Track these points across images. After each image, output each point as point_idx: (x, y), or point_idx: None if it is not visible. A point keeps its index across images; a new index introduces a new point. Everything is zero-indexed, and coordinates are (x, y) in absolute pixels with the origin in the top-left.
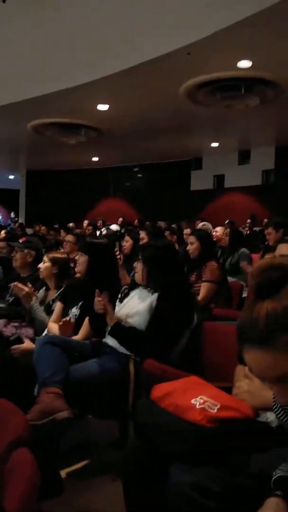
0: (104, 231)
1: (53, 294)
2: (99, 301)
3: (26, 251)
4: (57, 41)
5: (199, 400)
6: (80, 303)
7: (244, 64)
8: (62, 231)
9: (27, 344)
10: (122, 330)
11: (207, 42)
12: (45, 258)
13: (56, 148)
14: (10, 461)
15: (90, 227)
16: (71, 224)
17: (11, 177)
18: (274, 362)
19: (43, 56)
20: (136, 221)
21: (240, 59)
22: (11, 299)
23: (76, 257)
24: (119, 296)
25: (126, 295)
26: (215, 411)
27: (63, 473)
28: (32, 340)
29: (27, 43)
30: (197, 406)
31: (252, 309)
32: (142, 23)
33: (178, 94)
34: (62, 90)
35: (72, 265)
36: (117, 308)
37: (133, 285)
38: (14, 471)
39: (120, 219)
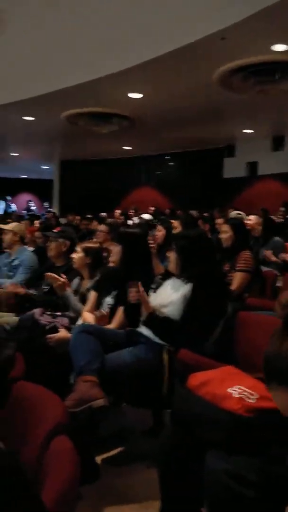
0: (136, 220)
1: (86, 283)
2: (134, 292)
3: (60, 240)
4: (89, 30)
5: (237, 389)
6: (114, 293)
7: (279, 47)
8: (94, 221)
9: (63, 333)
10: (156, 320)
11: (241, 26)
12: (78, 248)
13: (89, 138)
14: (51, 448)
15: (121, 217)
16: (103, 214)
17: (45, 167)
18: None
19: (75, 45)
20: (167, 210)
21: (274, 43)
22: (46, 288)
23: (110, 247)
24: (153, 286)
25: (160, 285)
26: (254, 401)
27: (98, 459)
28: (67, 329)
29: (59, 33)
30: (235, 395)
31: (281, 344)
32: (175, 9)
33: (211, 81)
34: (94, 79)
35: (104, 254)
36: (150, 298)
37: (167, 275)
38: (55, 458)
39: (152, 208)
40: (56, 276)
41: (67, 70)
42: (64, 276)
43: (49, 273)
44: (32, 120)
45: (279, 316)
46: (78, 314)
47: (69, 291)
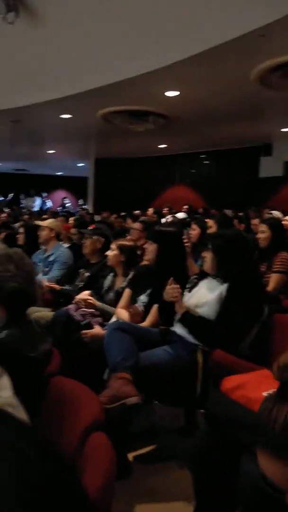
0: (169, 218)
1: (120, 280)
2: (173, 289)
3: (95, 238)
4: (126, 28)
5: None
6: (149, 291)
7: None
8: (128, 218)
9: (97, 329)
10: (191, 319)
11: (281, 24)
12: (113, 245)
13: (124, 136)
14: (88, 444)
15: (155, 215)
16: (137, 212)
17: (80, 164)
18: (284, 473)
19: (112, 44)
20: (201, 209)
21: None
22: (81, 284)
23: (145, 245)
24: (188, 285)
25: (195, 284)
26: None
27: (130, 456)
28: (101, 325)
29: (97, 31)
30: None
31: (273, 408)
32: (213, 6)
33: (250, 78)
34: (131, 77)
35: (138, 252)
36: (185, 297)
37: (202, 275)
38: (92, 454)
39: (186, 206)
40: (82, 298)
41: (104, 68)
42: (91, 299)
43: (77, 297)
44: (69, 118)
45: (275, 377)
46: (111, 316)
47: (97, 305)
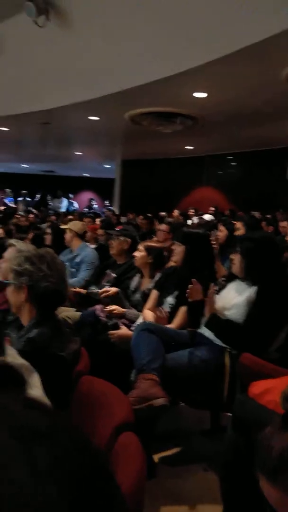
0: (196, 220)
1: (147, 281)
2: (197, 290)
3: (122, 238)
4: (155, 30)
5: None
6: (176, 293)
7: None
8: (154, 220)
9: (124, 330)
10: (219, 322)
11: None
12: (140, 246)
13: (151, 137)
14: (118, 445)
15: (181, 217)
16: (162, 213)
17: (107, 166)
18: (281, 499)
19: (141, 46)
20: (227, 211)
21: None
22: (107, 285)
23: (172, 247)
24: (216, 287)
25: (223, 287)
26: None
27: (155, 458)
28: (127, 326)
29: (124, 34)
30: None
31: (274, 434)
32: (242, 6)
33: (280, 79)
34: (159, 79)
35: (165, 253)
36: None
37: (231, 277)
38: (123, 454)
39: (213, 208)
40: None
41: (133, 70)
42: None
43: (105, 294)
44: (97, 119)
45: (282, 408)
46: (136, 319)
47: (123, 311)
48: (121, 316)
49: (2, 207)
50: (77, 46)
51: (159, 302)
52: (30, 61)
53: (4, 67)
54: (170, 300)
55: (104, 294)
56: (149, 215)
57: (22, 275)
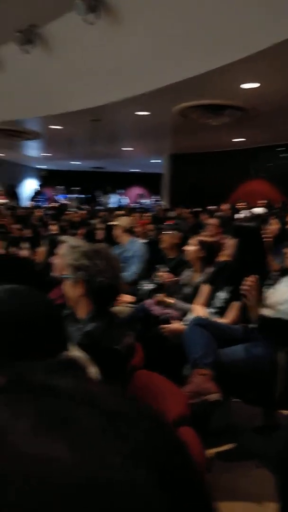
0: (245, 213)
1: (197, 276)
2: (251, 285)
3: (173, 232)
4: (203, 22)
5: None
6: (229, 288)
7: None
8: (202, 214)
9: (177, 324)
10: (268, 323)
11: None
12: (192, 241)
13: (200, 131)
14: None
15: (230, 210)
16: (212, 207)
17: (155, 161)
18: None
19: (188, 39)
20: (279, 203)
21: None
22: (158, 280)
23: (224, 241)
24: (269, 282)
25: (276, 281)
26: None
27: (209, 452)
28: (179, 320)
29: (171, 28)
30: None
31: None
32: None
33: None
34: (208, 71)
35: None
36: (267, 294)
37: (284, 271)
38: None
39: (264, 201)
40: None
41: (181, 64)
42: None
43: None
44: (145, 114)
45: None
46: (185, 310)
47: (174, 302)
48: (170, 306)
49: (55, 204)
50: (126, 42)
51: (211, 297)
52: (80, 58)
53: (55, 66)
54: (222, 294)
55: (168, 279)
56: (196, 209)
57: (78, 269)
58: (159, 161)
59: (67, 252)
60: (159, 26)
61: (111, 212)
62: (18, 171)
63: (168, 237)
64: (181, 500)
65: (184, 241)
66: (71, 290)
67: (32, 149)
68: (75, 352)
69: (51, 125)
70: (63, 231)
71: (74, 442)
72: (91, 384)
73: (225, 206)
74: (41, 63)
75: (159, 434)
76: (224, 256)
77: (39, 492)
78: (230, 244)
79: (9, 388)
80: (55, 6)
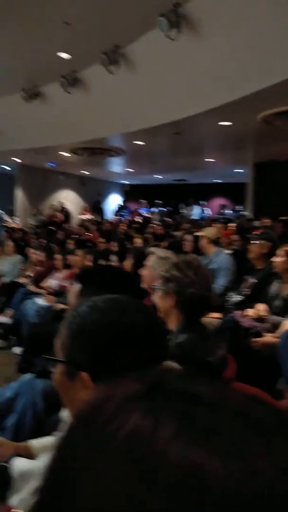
0: None
1: (287, 288)
2: None
3: (261, 242)
4: (284, 29)
5: None
6: None
7: None
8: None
9: (269, 337)
10: None
11: None
12: (280, 251)
13: (284, 138)
14: None
15: None
16: None
17: (238, 170)
18: None
19: (270, 46)
20: None
21: None
22: (246, 291)
23: None
24: None
25: None
26: None
27: None
28: (270, 333)
29: (252, 37)
30: None
31: None
32: None
33: None
34: None
35: None
36: None
37: None
38: None
39: None
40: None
41: (263, 72)
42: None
43: (251, 312)
44: (228, 124)
45: None
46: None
47: (268, 318)
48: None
49: (139, 218)
50: (208, 54)
51: None
52: (161, 73)
53: (137, 83)
54: None
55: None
56: (284, 218)
57: (169, 281)
58: (242, 170)
59: (157, 263)
60: (241, 36)
61: (194, 224)
62: (103, 187)
63: (256, 247)
64: None
65: (272, 251)
66: (161, 301)
67: (116, 165)
68: (169, 363)
69: (135, 140)
70: (147, 244)
71: (224, 452)
72: (229, 391)
73: None
74: (124, 81)
75: None
76: None
77: (193, 501)
78: None
79: (150, 395)
80: (137, 26)
